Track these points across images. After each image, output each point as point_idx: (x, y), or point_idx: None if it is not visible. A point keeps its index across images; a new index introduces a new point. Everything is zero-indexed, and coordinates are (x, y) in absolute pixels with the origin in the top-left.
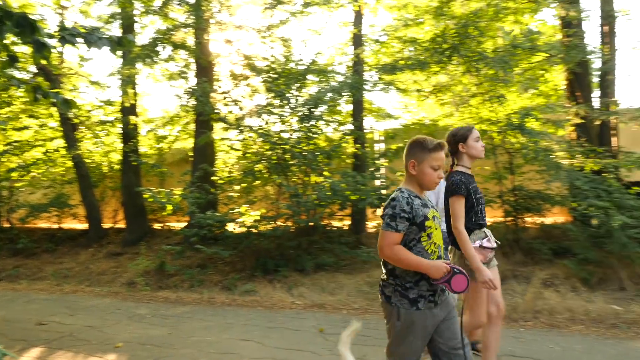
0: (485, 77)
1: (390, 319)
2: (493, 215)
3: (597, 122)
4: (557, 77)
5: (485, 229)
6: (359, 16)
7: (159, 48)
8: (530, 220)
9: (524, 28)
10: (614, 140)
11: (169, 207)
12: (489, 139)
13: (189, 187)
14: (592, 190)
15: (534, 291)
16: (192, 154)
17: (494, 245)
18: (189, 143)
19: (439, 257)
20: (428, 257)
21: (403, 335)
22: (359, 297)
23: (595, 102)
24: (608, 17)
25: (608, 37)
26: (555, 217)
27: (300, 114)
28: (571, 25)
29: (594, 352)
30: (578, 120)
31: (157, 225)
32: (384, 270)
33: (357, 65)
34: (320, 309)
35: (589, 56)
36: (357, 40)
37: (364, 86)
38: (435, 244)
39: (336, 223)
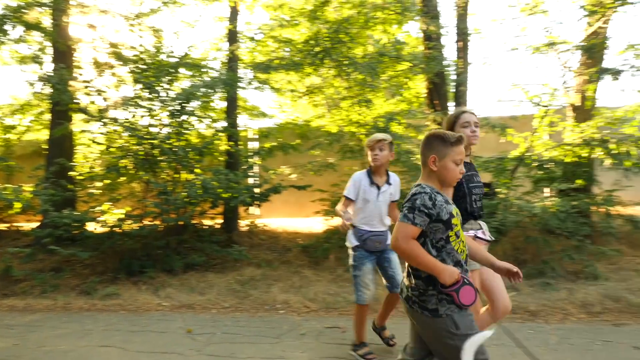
0: (355, 81)
1: (442, 333)
2: None
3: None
4: (419, 86)
5: (481, 222)
6: (234, 12)
7: (8, 27)
8: None
9: (392, 38)
10: None
11: (17, 205)
12: (357, 140)
13: (42, 183)
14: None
15: None
16: (47, 147)
17: (489, 238)
18: (43, 135)
19: (466, 257)
20: (459, 257)
21: (463, 338)
22: (229, 295)
23: (451, 110)
24: (462, 34)
25: (462, 52)
26: None
27: (171, 108)
28: (431, 39)
29: None
30: (436, 126)
31: (2, 226)
32: (414, 282)
33: (232, 61)
34: (188, 310)
35: (446, 68)
36: (232, 37)
37: (239, 83)
38: (463, 242)
39: (207, 222)
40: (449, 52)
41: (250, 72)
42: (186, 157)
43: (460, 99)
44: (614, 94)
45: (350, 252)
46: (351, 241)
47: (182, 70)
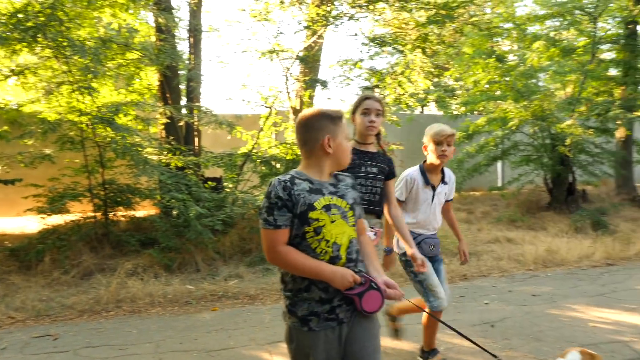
0: (76, 66)
1: (286, 340)
2: (82, 210)
3: (181, 123)
4: (152, 78)
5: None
6: None
7: None
8: (121, 213)
9: (123, 23)
10: (197, 140)
11: None
12: (79, 130)
13: None
14: (175, 184)
15: (119, 281)
16: None
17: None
18: None
19: (333, 259)
20: (317, 257)
21: None
22: None
23: (183, 103)
24: (195, 31)
25: (194, 48)
26: (147, 210)
27: None
28: (163, 31)
29: (166, 328)
30: (165, 120)
31: None
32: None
33: None
34: None
35: (176, 62)
36: None
37: None
38: (327, 241)
39: None
40: (184, 46)
41: None
42: None
43: (191, 94)
44: (327, 100)
45: (403, 258)
46: (401, 246)
47: None
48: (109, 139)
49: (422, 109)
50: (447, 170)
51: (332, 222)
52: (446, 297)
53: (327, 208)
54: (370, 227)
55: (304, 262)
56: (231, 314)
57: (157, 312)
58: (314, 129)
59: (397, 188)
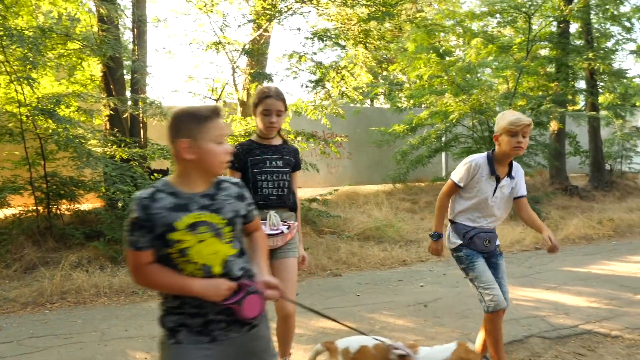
0: (14, 56)
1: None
2: (24, 203)
3: (126, 115)
4: (95, 68)
5: (272, 212)
6: None
7: None
8: (65, 207)
9: (63, 12)
10: (143, 132)
11: None
12: (18, 122)
13: None
14: (120, 176)
15: (63, 274)
16: None
17: (270, 231)
18: None
19: (205, 276)
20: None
21: None
22: None
23: (128, 95)
24: (139, 22)
25: (138, 39)
26: (91, 202)
27: None
28: (106, 22)
29: (112, 317)
30: (109, 112)
31: None
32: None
33: None
34: None
35: (120, 54)
36: None
37: None
38: (195, 263)
39: None
40: (128, 36)
41: None
42: None
43: (136, 85)
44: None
45: (454, 254)
46: (452, 240)
47: None
48: (51, 131)
49: (372, 102)
50: (515, 164)
51: (201, 241)
52: (502, 294)
53: (193, 227)
54: (283, 221)
55: (171, 281)
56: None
57: (102, 302)
58: (173, 131)
59: (457, 172)
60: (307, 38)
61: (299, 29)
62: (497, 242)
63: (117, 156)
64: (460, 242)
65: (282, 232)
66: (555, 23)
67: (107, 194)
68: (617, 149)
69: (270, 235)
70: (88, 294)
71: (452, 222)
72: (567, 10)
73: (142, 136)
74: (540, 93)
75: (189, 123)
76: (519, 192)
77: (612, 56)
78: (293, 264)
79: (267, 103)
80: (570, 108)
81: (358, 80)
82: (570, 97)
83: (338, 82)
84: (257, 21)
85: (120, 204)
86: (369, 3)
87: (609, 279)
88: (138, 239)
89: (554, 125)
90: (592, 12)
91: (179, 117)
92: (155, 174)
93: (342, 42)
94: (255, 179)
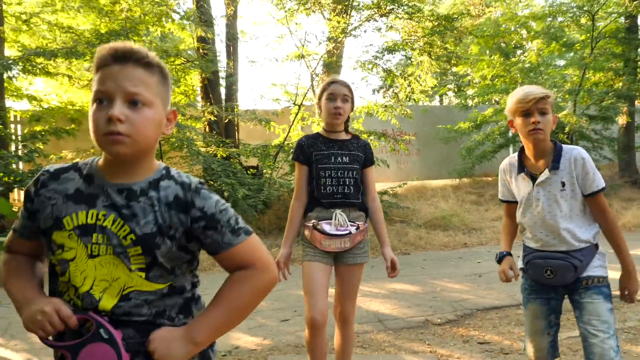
0: None
1: None
2: None
3: (225, 120)
4: (194, 80)
5: (339, 211)
6: None
7: None
8: None
9: (167, 32)
10: (237, 134)
11: None
12: None
13: None
14: (223, 171)
15: None
16: None
17: (335, 232)
18: None
19: (85, 309)
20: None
21: None
22: None
23: (226, 105)
24: (232, 39)
25: (232, 54)
26: None
27: None
28: (206, 41)
29: None
30: (212, 117)
31: None
32: None
33: None
34: None
35: (218, 68)
36: None
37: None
38: (75, 288)
39: None
40: (221, 49)
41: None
42: None
43: (232, 95)
44: None
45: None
46: (520, 261)
47: None
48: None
49: (441, 99)
50: (567, 149)
51: (91, 256)
52: (549, 352)
53: (85, 231)
54: (351, 222)
55: (12, 284)
56: None
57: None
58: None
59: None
60: (378, 52)
61: (371, 45)
62: (590, 273)
63: (219, 155)
64: (521, 265)
65: (350, 232)
66: (623, 18)
67: (214, 185)
68: None
69: (336, 235)
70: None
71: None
72: (632, 6)
73: (236, 137)
74: (604, 88)
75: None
76: (585, 188)
77: None
78: (360, 271)
79: (332, 88)
80: (638, 102)
81: (424, 85)
82: (635, 92)
83: (406, 87)
84: (333, 38)
85: (226, 194)
86: (432, 18)
87: None
88: (20, 218)
89: (622, 119)
90: None
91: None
92: (251, 170)
93: (409, 53)
94: (318, 175)
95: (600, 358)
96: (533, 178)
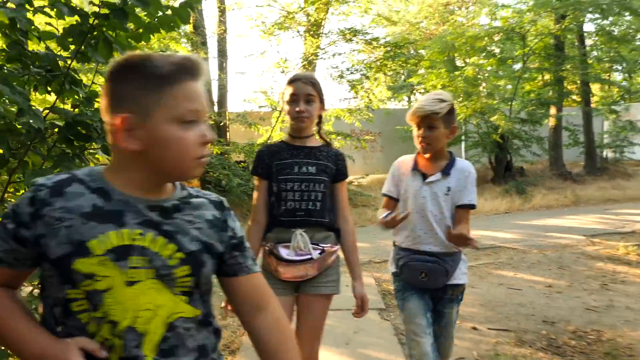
0: None
1: None
2: None
3: (222, 124)
4: None
5: (298, 230)
6: None
7: None
8: None
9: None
10: (227, 134)
11: None
12: None
13: None
14: (220, 164)
15: None
16: None
17: (292, 257)
18: None
19: (130, 351)
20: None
21: None
22: None
23: (215, 109)
24: (221, 54)
25: (222, 67)
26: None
27: None
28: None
29: None
30: (210, 121)
31: None
32: None
33: None
34: None
35: (212, 80)
36: None
37: None
38: (113, 324)
39: None
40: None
41: None
42: None
43: (223, 103)
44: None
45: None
46: (390, 265)
47: None
48: None
49: (409, 100)
50: (460, 162)
51: (129, 284)
52: (434, 355)
53: (122, 255)
54: (314, 244)
55: (8, 324)
56: None
57: None
58: (112, 98)
59: (385, 182)
60: (342, 71)
61: (337, 67)
62: (457, 281)
63: (215, 151)
64: (393, 269)
65: (312, 258)
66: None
67: (215, 175)
68: (609, 141)
69: (294, 261)
70: None
71: (394, 244)
72: (555, 29)
73: (227, 137)
74: (533, 97)
75: (137, 84)
76: (459, 199)
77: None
78: (324, 304)
79: (293, 87)
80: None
81: (379, 95)
82: (556, 99)
83: (366, 98)
84: (307, 58)
85: (224, 182)
86: (385, 45)
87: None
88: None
89: (552, 122)
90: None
91: (120, 70)
92: (242, 164)
93: (366, 72)
94: (279, 188)
95: (445, 357)
96: (424, 176)
